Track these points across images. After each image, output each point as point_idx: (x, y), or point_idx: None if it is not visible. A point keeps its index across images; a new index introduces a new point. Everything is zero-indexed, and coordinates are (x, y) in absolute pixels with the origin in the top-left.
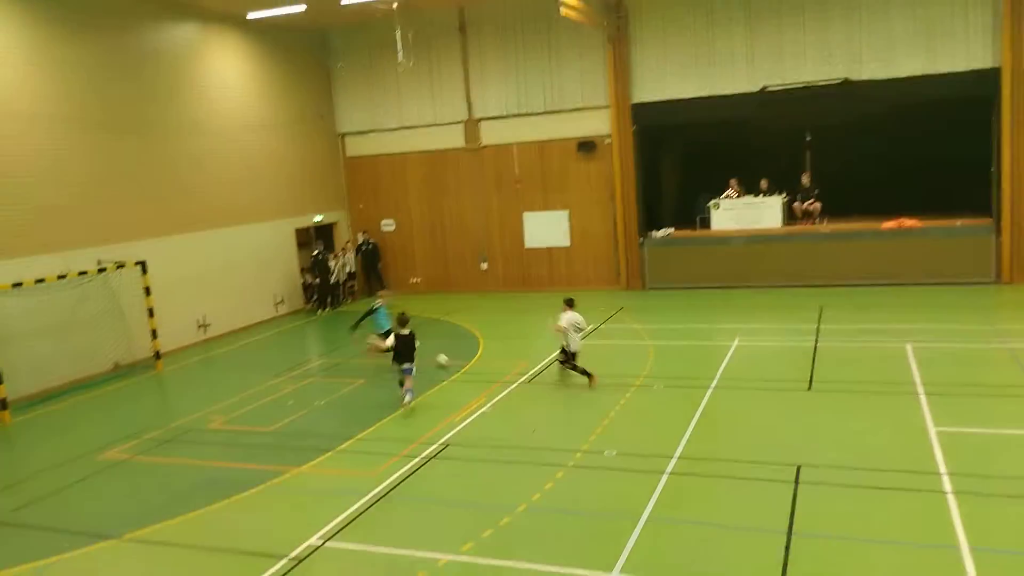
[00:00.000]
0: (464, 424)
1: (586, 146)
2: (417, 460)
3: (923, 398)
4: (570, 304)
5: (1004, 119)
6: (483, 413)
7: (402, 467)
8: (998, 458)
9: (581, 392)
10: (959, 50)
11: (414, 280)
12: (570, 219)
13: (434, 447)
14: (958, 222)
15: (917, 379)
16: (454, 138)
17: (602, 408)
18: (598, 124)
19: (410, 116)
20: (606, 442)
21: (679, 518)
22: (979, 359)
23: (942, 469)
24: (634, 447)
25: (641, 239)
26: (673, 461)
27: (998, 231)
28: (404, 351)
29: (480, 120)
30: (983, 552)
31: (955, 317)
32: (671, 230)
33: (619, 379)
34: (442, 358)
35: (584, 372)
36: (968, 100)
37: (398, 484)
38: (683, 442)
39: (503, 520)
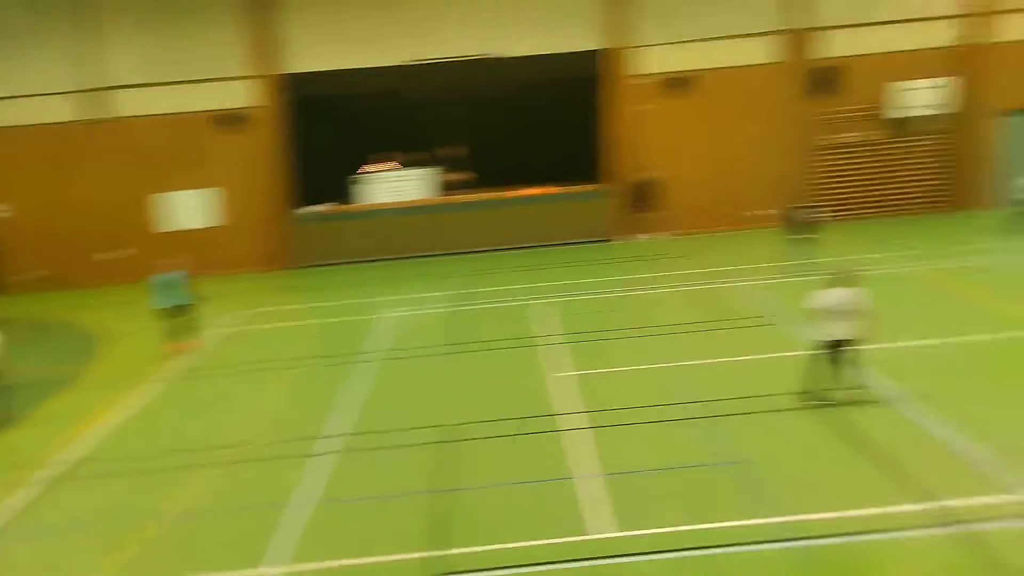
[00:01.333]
0: (95, 435)
1: (232, 119)
2: (41, 485)
3: (553, 348)
4: None
5: (609, 95)
6: (117, 419)
7: (21, 494)
8: (621, 392)
9: (228, 384)
10: (576, 33)
11: (35, 275)
12: (216, 197)
13: (61, 467)
14: (576, 188)
15: (548, 331)
16: (75, 110)
17: (255, 396)
18: (247, 95)
19: (19, 84)
20: (258, 431)
21: (333, 497)
22: (596, 308)
23: (569, 409)
24: (285, 432)
25: (295, 215)
26: (326, 440)
27: (607, 195)
28: None
29: (104, 89)
30: (616, 476)
31: (578, 272)
32: (325, 205)
33: (273, 363)
34: None
35: None
36: (584, 78)
37: (19, 515)
38: (337, 419)
39: (149, 533)
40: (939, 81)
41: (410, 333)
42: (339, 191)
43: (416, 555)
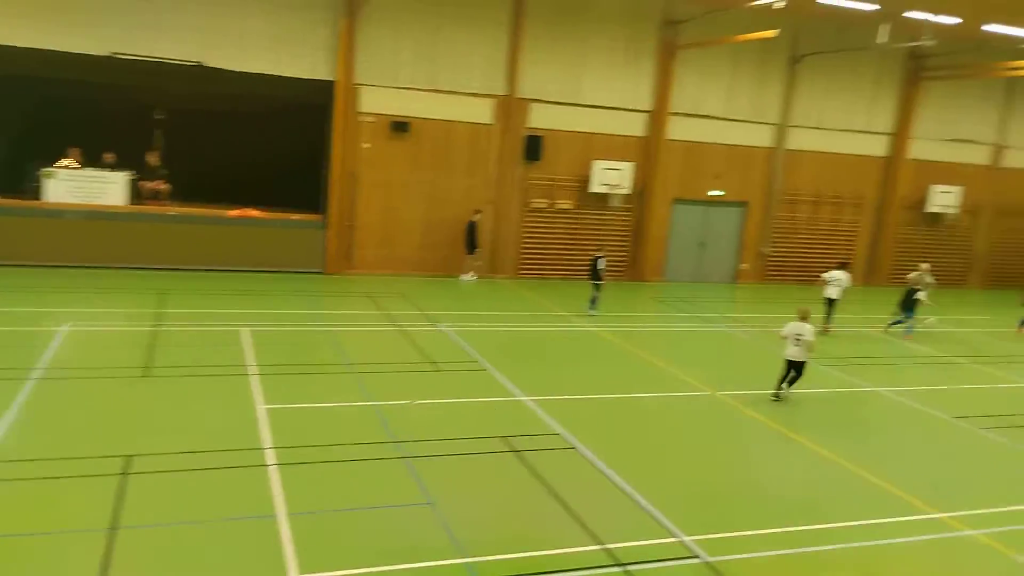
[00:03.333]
0: None
1: None
2: None
3: (256, 379)
4: None
5: (335, 128)
6: None
7: None
8: (316, 429)
9: None
10: (305, 59)
11: None
12: None
13: None
14: (294, 216)
15: (251, 361)
16: None
17: None
18: None
19: None
20: None
21: None
22: (305, 341)
23: (268, 444)
24: None
25: None
26: None
27: (326, 227)
28: None
29: None
30: (300, 516)
31: (288, 303)
32: None
33: None
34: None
35: None
36: (310, 106)
37: None
38: None
39: None
40: (629, 165)
41: (91, 350)
42: (15, 184)
43: None
